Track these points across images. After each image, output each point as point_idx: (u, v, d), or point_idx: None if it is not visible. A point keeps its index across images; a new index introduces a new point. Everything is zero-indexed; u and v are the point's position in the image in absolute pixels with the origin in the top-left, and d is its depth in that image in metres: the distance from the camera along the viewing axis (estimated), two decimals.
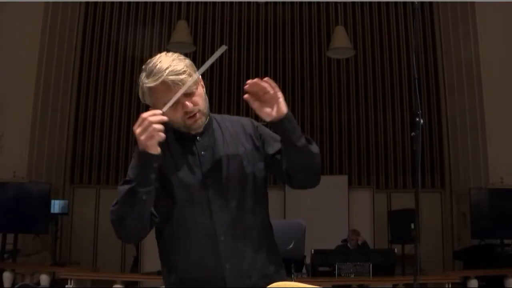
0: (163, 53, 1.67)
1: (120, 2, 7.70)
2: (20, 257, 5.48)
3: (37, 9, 6.27)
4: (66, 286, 4.36)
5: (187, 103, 1.63)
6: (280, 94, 1.58)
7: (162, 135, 1.51)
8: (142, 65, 1.69)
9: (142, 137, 1.50)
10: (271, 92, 1.56)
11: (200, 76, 1.69)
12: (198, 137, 1.72)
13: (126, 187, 1.56)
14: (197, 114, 1.66)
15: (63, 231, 6.80)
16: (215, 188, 1.68)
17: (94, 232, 7.03)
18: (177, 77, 1.59)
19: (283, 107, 1.57)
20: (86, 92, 7.55)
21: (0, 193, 5.41)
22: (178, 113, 1.64)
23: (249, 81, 1.57)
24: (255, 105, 1.58)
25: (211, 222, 1.66)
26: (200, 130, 1.71)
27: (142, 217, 1.59)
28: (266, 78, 1.57)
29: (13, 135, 6.00)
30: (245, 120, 1.84)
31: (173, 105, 1.60)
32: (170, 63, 1.61)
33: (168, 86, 1.59)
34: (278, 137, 1.68)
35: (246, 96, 1.58)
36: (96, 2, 7.67)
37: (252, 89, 1.57)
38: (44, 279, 4.66)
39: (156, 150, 1.52)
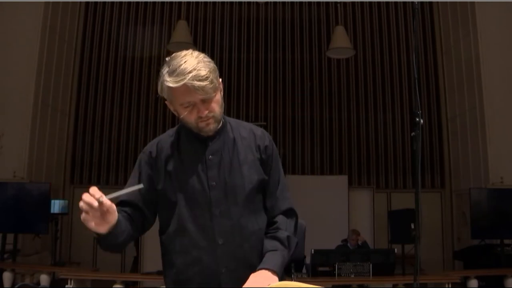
0: (189, 52, 1.66)
1: (120, 2, 7.70)
2: (20, 257, 5.49)
3: (37, 9, 6.28)
4: (66, 286, 4.36)
5: (203, 110, 1.63)
6: None
7: (92, 222, 1.45)
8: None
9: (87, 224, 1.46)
10: None
11: (220, 80, 1.70)
12: (209, 141, 1.71)
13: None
14: (211, 120, 1.66)
15: (63, 231, 6.80)
16: (218, 193, 1.68)
17: None
18: (199, 83, 1.59)
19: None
20: (86, 92, 7.55)
21: (0, 193, 5.41)
22: (192, 116, 1.65)
23: None
24: None
25: (211, 225, 1.66)
26: (211, 133, 1.70)
27: (119, 242, 1.61)
28: None
29: (13, 135, 6.01)
30: (259, 132, 1.83)
31: (188, 107, 1.63)
32: (195, 66, 1.59)
33: (188, 89, 1.59)
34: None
35: None
36: (96, 2, 7.67)
37: None
38: (44, 279, 4.66)
39: (101, 229, 1.48)
